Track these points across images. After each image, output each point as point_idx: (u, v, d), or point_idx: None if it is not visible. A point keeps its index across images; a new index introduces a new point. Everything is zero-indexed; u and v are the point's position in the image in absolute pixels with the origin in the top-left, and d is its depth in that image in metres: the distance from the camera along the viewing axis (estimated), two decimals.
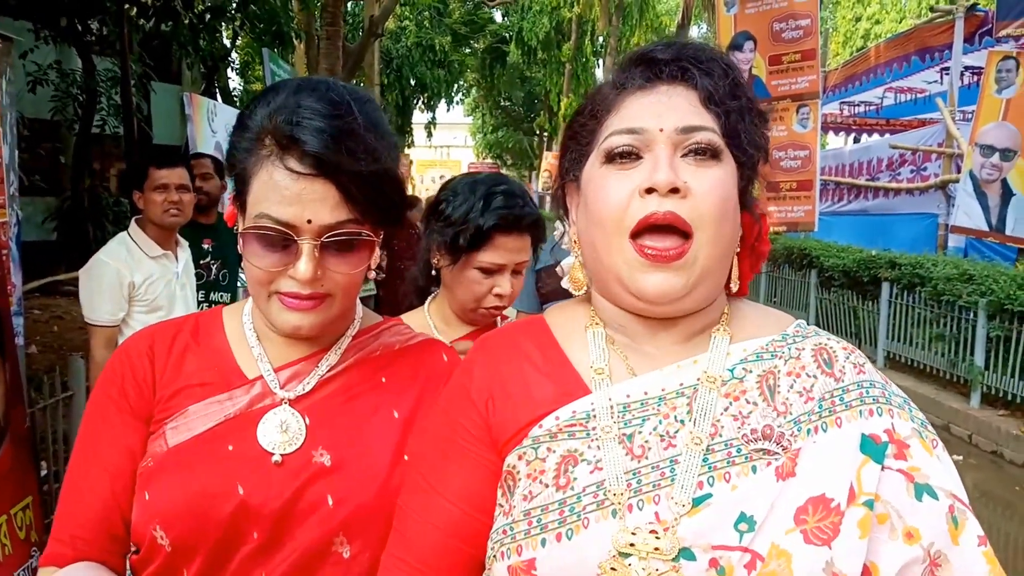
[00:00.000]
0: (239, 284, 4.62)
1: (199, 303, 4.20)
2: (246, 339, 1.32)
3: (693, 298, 1.04)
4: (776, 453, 1.00)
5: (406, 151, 28.30)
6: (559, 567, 0.98)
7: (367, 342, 1.36)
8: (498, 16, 33.92)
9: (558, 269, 2.01)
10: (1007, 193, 9.51)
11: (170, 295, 3.73)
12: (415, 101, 30.90)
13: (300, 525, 1.19)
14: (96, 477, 1.24)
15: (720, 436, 1.01)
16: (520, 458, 1.06)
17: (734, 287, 1.12)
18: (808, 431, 1.00)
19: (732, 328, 1.12)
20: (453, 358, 1.40)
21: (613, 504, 0.99)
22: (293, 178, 1.13)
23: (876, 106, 18.89)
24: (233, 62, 20.59)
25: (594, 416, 1.06)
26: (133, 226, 3.77)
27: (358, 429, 1.26)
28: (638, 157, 1.03)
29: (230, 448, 1.21)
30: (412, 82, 28.70)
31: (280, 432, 1.23)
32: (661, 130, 1.02)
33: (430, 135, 34.19)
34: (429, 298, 2.14)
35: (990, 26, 12.40)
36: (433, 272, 2.07)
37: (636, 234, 1.02)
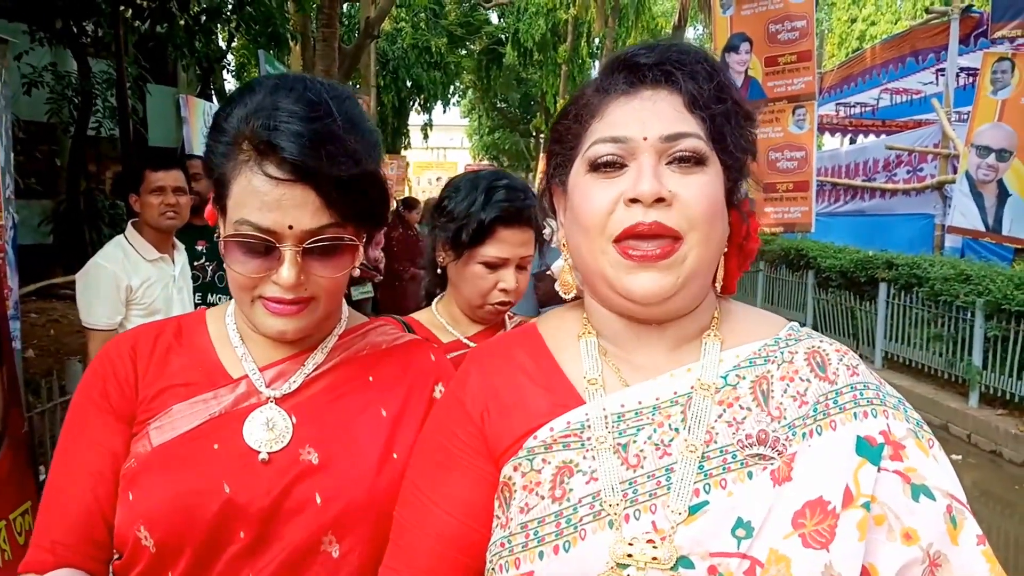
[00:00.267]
0: None
1: (196, 306, 4.18)
2: (230, 340, 1.31)
3: (682, 297, 1.04)
4: (771, 458, 0.99)
5: (402, 153, 28.31)
6: None
7: (353, 341, 1.35)
8: (494, 18, 33.91)
9: (549, 272, 2.00)
10: (1003, 193, 9.54)
11: (167, 298, 3.72)
12: (411, 103, 30.88)
13: (288, 524, 1.18)
14: (77, 481, 1.22)
15: (715, 443, 1.01)
16: (516, 469, 1.06)
17: (718, 286, 1.12)
18: (803, 435, 1.00)
19: (723, 332, 1.11)
20: (440, 358, 1.40)
21: (609, 515, 0.98)
22: (272, 184, 1.12)
23: (872, 107, 18.94)
24: (229, 64, 20.56)
25: (589, 427, 1.05)
26: (130, 229, 3.76)
27: (345, 427, 1.26)
28: (622, 166, 1.03)
29: (215, 447, 1.20)
30: (408, 84, 28.68)
31: (266, 430, 1.22)
32: (645, 138, 1.01)
33: (426, 137, 34.18)
34: (436, 297, 2.15)
35: (985, 27, 12.41)
36: (439, 271, 2.08)
37: (620, 239, 1.01)
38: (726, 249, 1.10)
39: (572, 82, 30.16)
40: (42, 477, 4.07)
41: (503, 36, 32.70)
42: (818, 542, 0.93)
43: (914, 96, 17.29)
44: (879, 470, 0.97)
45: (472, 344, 2.01)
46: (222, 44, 16.68)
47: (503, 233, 1.93)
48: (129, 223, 3.82)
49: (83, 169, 13.26)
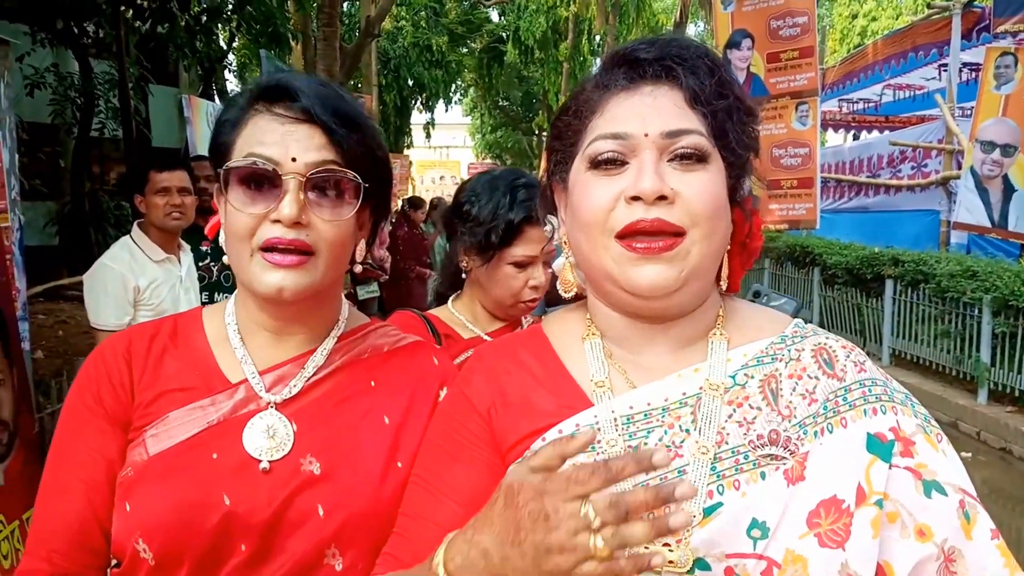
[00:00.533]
0: None
1: (204, 305, 4.17)
2: (228, 340, 1.28)
3: (686, 292, 1.03)
4: (784, 458, 0.99)
5: (405, 152, 28.31)
6: None
7: (354, 344, 1.33)
8: (495, 16, 33.91)
9: (551, 271, 2.01)
10: (1008, 189, 9.50)
11: (174, 299, 3.72)
12: (413, 102, 30.93)
13: (290, 536, 1.16)
14: (72, 488, 1.19)
15: (726, 444, 1.01)
16: None
17: (723, 285, 1.11)
18: (815, 433, 1.00)
19: (729, 331, 1.11)
20: (443, 361, 1.39)
21: None
22: (280, 121, 1.17)
23: (875, 103, 18.91)
24: (230, 64, 20.58)
25: (598, 429, 1.04)
26: (136, 230, 3.76)
27: (348, 435, 1.23)
28: (623, 163, 1.02)
29: (214, 456, 1.17)
30: (410, 83, 28.72)
31: (267, 438, 1.19)
32: (646, 135, 1.00)
33: (429, 136, 34.24)
34: (452, 296, 2.16)
35: (987, 22, 12.40)
36: (463, 275, 2.09)
37: (622, 235, 1.00)
38: (729, 247, 1.10)
39: (574, 79, 30.14)
40: None
41: (504, 34, 32.69)
42: (834, 541, 0.93)
43: (917, 92, 17.26)
44: (890, 467, 0.97)
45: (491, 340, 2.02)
46: (223, 44, 16.71)
47: (530, 232, 1.96)
48: (135, 224, 3.82)
49: (87, 170, 13.28)
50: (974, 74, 12.72)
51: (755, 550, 0.94)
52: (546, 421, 1.07)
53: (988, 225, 9.82)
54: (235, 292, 1.33)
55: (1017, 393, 7.74)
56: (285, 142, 1.15)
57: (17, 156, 4.76)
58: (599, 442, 1.03)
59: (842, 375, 1.05)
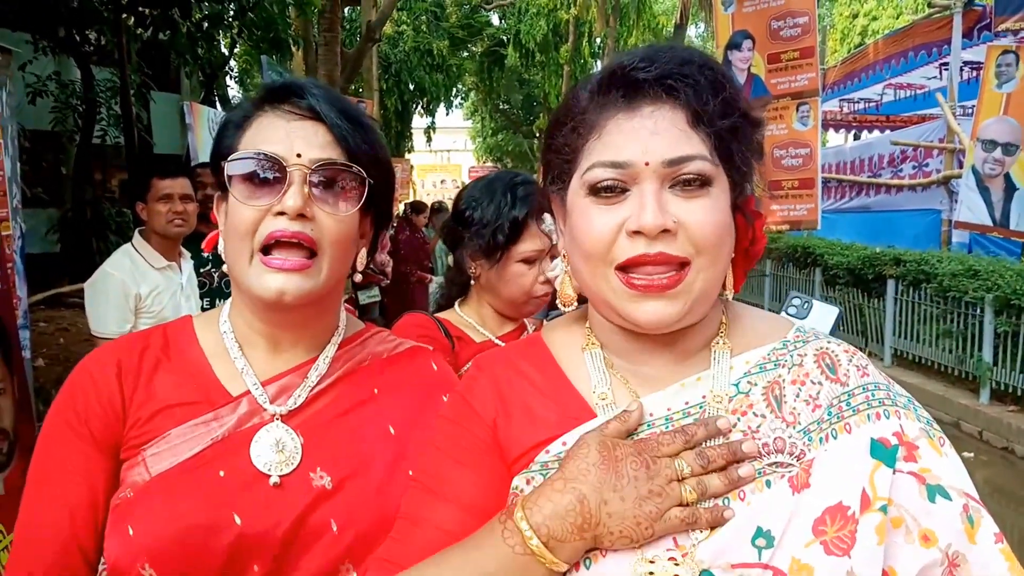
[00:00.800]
0: None
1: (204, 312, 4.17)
2: (226, 351, 1.23)
3: (691, 318, 1.01)
4: (789, 465, 0.98)
5: (406, 156, 28.33)
6: None
7: (355, 351, 1.31)
8: (495, 19, 33.91)
9: (549, 279, 2.01)
10: (1010, 187, 9.48)
11: (175, 306, 3.72)
12: (414, 106, 30.95)
13: (305, 554, 1.13)
14: (54, 513, 1.14)
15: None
16: (528, 483, 1.03)
17: (729, 294, 1.08)
18: (820, 440, 0.99)
19: (732, 339, 1.09)
20: (443, 367, 1.38)
21: None
22: (285, 119, 1.17)
23: (876, 103, 18.89)
24: (232, 70, 20.61)
25: None
26: (137, 237, 3.76)
27: (355, 447, 1.21)
28: (623, 191, 0.98)
29: (221, 474, 1.13)
30: (411, 87, 28.75)
31: (275, 451, 1.16)
32: (647, 163, 0.96)
33: (429, 139, 34.23)
34: (457, 301, 2.16)
35: (988, 21, 12.38)
36: (472, 282, 2.10)
37: (624, 266, 0.98)
38: (732, 255, 1.07)
39: (575, 82, 29.98)
40: None
41: (504, 37, 32.70)
42: (840, 549, 0.92)
43: (918, 91, 17.23)
44: (894, 472, 0.96)
45: (503, 344, 2.03)
46: (224, 50, 16.74)
47: (535, 227, 1.97)
48: (136, 231, 3.83)
49: (89, 177, 13.31)
50: (975, 73, 12.70)
51: (760, 559, 0.92)
52: (550, 433, 1.05)
53: (990, 224, 9.80)
54: (229, 299, 1.30)
55: (1019, 392, 7.72)
56: (290, 138, 1.15)
57: (19, 164, 4.77)
58: None
59: (845, 380, 1.04)
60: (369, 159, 1.20)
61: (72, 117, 12.41)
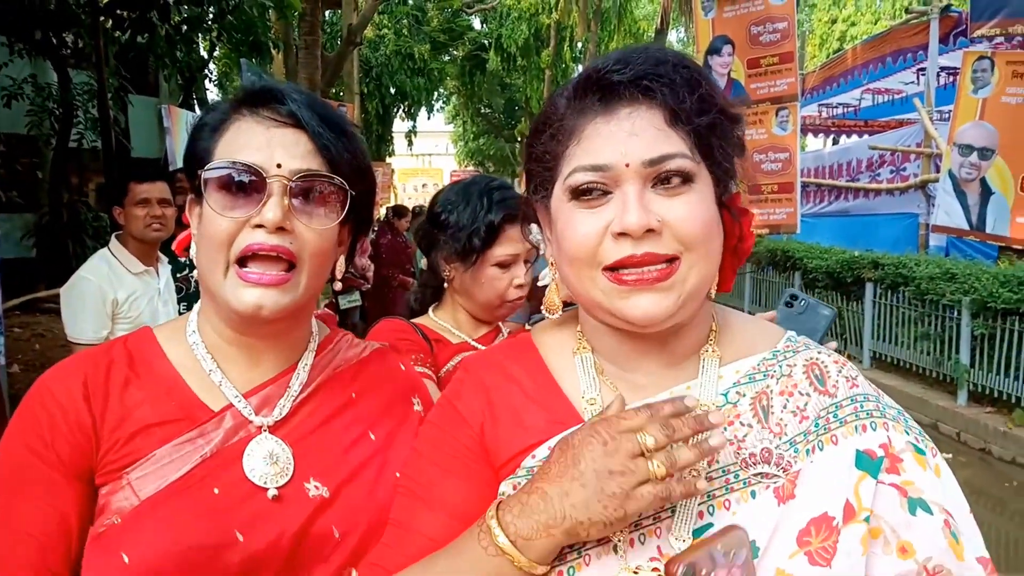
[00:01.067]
0: None
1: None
2: (199, 363, 1.19)
3: (682, 315, 1.00)
4: (775, 475, 0.98)
5: (387, 160, 28.27)
6: None
7: (329, 357, 1.29)
8: (477, 23, 33.94)
9: (540, 277, 2.01)
10: (986, 192, 9.61)
11: (153, 311, 3.68)
12: (395, 109, 30.90)
13: (310, 564, 1.12)
14: (21, 549, 1.07)
15: (717, 463, 0.99)
16: (515, 488, 1.03)
17: (713, 293, 1.08)
18: (806, 451, 0.99)
19: (721, 347, 1.08)
20: (409, 368, 1.40)
21: (614, 540, 0.96)
22: (265, 126, 1.13)
23: (854, 107, 19.06)
24: (211, 73, 20.48)
25: None
26: (114, 242, 3.72)
27: (343, 455, 1.20)
28: (606, 193, 0.97)
29: (216, 491, 1.10)
30: (392, 90, 28.70)
31: (269, 464, 1.14)
32: (627, 165, 0.95)
33: (411, 143, 34.18)
34: (431, 307, 2.16)
35: (964, 27, 12.52)
36: (445, 286, 2.10)
37: (611, 268, 0.97)
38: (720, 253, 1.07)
39: (556, 86, 30.00)
40: None
41: (486, 42, 32.71)
42: (824, 559, 0.92)
43: (895, 96, 17.41)
44: (877, 483, 0.96)
45: (479, 346, 2.05)
46: (204, 54, 16.62)
47: (510, 231, 1.98)
48: (113, 236, 3.78)
49: (65, 181, 13.17)
50: (951, 78, 12.84)
51: None
52: (536, 438, 1.04)
53: (966, 228, 9.91)
54: (194, 309, 1.25)
55: (996, 394, 7.80)
56: (270, 147, 1.10)
57: None
58: None
59: (834, 391, 1.04)
60: (351, 169, 1.17)
61: (49, 120, 12.28)
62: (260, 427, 1.16)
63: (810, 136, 19.83)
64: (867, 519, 0.94)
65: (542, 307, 1.16)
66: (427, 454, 1.12)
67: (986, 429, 7.46)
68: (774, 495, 0.97)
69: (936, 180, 10.91)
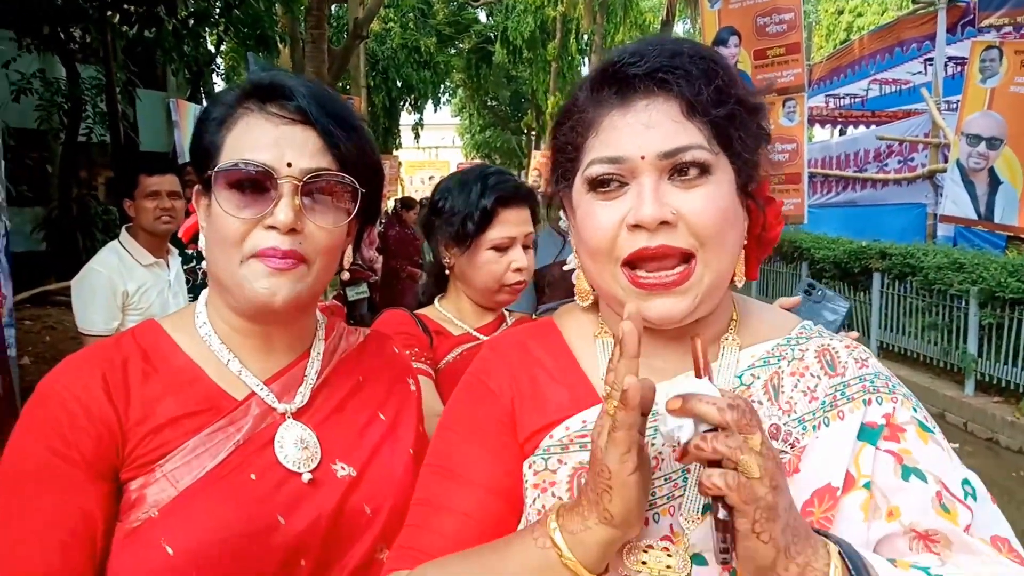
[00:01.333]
0: None
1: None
2: (213, 353, 1.20)
3: (701, 311, 1.02)
4: (783, 451, 0.99)
5: (394, 153, 28.26)
6: None
7: (335, 344, 1.33)
8: (482, 16, 33.86)
9: (566, 267, 2.02)
10: (994, 181, 9.55)
11: (163, 303, 3.71)
12: (402, 103, 30.89)
13: (347, 541, 1.15)
14: (42, 549, 1.04)
15: None
16: (529, 467, 1.05)
17: (739, 283, 1.09)
18: (813, 427, 1.00)
19: (741, 335, 1.10)
20: (400, 351, 1.44)
21: None
22: (273, 123, 1.12)
23: (861, 98, 18.99)
24: (218, 67, 20.50)
25: None
26: (124, 234, 3.75)
27: (360, 436, 1.24)
28: (622, 185, 0.99)
29: (253, 477, 1.12)
30: (399, 84, 28.69)
31: (300, 449, 1.17)
32: (643, 157, 0.96)
33: (417, 136, 34.19)
34: (437, 298, 2.19)
35: (972, 16, 12.46)
36: (446, 272, 2.12)
37: (629, 262, 0.99)
38: (745, 241, 1.08)
39: (562, 78, 30.12)
40: None
41: (492, 34, 32.65)
42: (824, 528, 0.93)
43: (903, 86, 17.34)
44: (876, 450, 0.98)
45: (481, 336, 2.06)
46: (211, 48, 16.65)
47: (505, 214, 2.00)
48: (123, 228, 3.82)
49: (75, 175, 13.22)
50: (959, 68, 12.78)
51: None
52: (557, 415, 1.07)
53: (974, 218, 9.86)
54: (200, 300, 1.26)
55: (1004, 384, 7.79)
56: (280, 146, 1.10)
57: (3, 162, 4.75)
58: None
59: (843, 372, 1.05)
60: (361, 165, 1.17)
61: (57, 115, 12.31)
62: (284, 413, 1.19)
63: (817, 127, 19.72)
64: (866, 485, 0.96)
65: (575, 295, 1.17)
66: (460, 430, 1.14)
67: (993, 419, 7.45)
68: None
69: (944, 170, 10.85)
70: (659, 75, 0.98)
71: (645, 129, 0.97)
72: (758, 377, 1.06)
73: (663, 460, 1.01)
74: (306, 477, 1.15)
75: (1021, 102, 9.38)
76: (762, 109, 1.05)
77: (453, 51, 33.11)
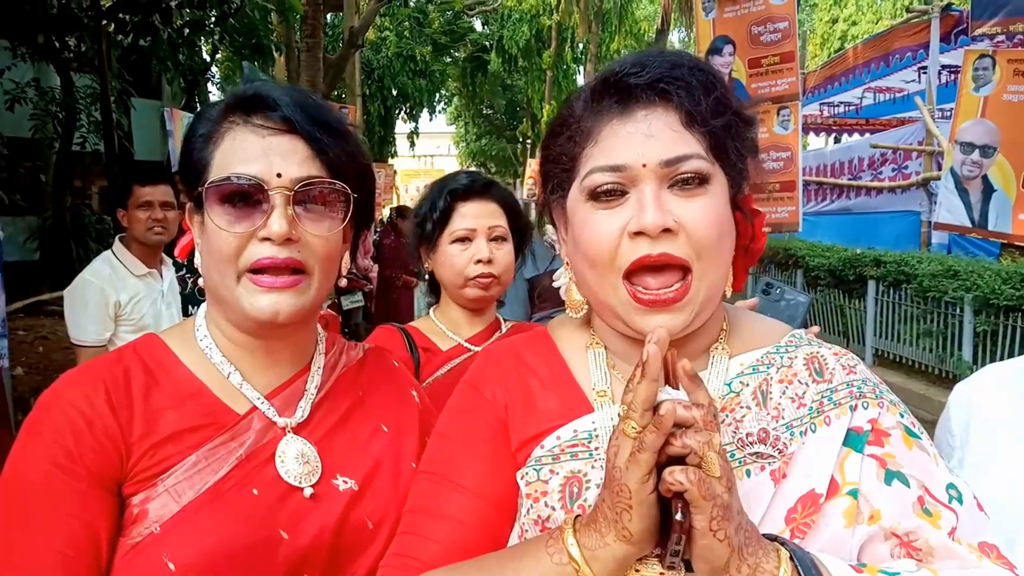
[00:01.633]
0: None
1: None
2: (214, 367, 1.20)
3: (696, 323, 1.03)
4: (771, 456, 1.00)
5: (389, 161, 28.28)
6: None
7: (335, 358, 1.32)
8: (478, 25, 33.92)
9: (554, 278, 2.02)
10: (988, 189, 9.57)
11: (156, 314, 3.69)
12: (397, 111, 30.95)
13: (352, 555, 1.15)
14: (43, 563, 1.02)
15: None
16: (522, 478, 1.06)
17: (728, 292, 1.10)
18: (800, 433, 1.01)
19: (731, 345, 1.11)
20: (400, 364, 1.44)
21: None
22: (260, 135, 1.11)
23: (856, 106, 19.05)
24: (213, 76, 20.52)
25: (596, 436, 1.05)
26: (117, 244, 3.73)
27: (362, 449, 1.23)
28: (623, 193, 1.00)
29: (255, 492, 1.12)
30: (394, 92, 28.76)
31: (301, 463, 1.16)
32: (644, 165, 0.98)
33: (413, 145, 34.22)
34: (431, 308, 2.21)
35: (965, 25, 12.50)
36: (428, 276, 2.17)
37: (630, 273, 0.99)
38: (732, 253, 1.09)
39: (557, 87, 30.19)
40: None
41: (487, 43, 32.69)
42: (804, 533, 0.94)
43: (897, 94, 17.40)
44: (862, 456, 0.98)
45: (472, 347, 2.06)
46: (206, 56, 16.67)
47: (463, 207, 2.04)
48: (117, 238, 3.79)
49: (69, 184, 13.21)
50: (953, 76, 12.84)
51: None
52: (549, 424, 1.07)
53: (968, 225, 9.88)
54: (199, 313, 1.25)
55: None
56: (268, 157, 1.10)
57: None
58: (597, 449, 1.04)
59: (830, 378, 1.06)
60: (351, 170, 1.17)
61: (52, 124, 12.32)
62: (284, 428, 1.19)
63: (812, 135, 19.83)
64: (851, 492, 0.96)
65: (566, 307, 1.17)
66: (454, 438, 1.14)
67: None
68: (770, 477, 0.99)
69: (938, 178, 10.87)
70: (660, 85, 1.00)
71: (646, 138, 0.99)
72: (747, 384, 1.07)
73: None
74: (308, 492, 1.15)
75: (1014, 110, 9.41)
76: (755, 122, 1.07)
77: (449, 60, 33.14)
